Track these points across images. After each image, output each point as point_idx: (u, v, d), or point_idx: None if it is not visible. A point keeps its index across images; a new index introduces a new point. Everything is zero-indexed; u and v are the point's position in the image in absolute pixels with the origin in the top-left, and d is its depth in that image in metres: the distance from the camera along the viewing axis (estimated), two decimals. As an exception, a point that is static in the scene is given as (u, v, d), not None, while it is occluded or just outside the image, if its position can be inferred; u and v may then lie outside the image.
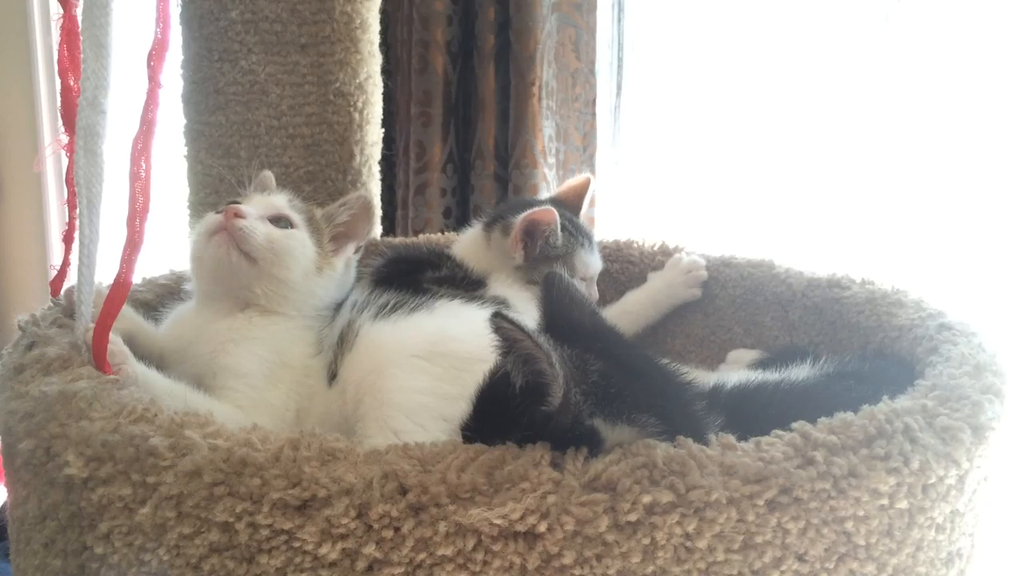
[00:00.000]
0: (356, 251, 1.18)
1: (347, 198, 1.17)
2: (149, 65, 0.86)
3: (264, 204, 1.08)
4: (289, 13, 1.33)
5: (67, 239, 1.03)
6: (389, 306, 1.06)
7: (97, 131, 0.83)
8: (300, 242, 1.07)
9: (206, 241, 1.03)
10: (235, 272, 1.03)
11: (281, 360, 1.03)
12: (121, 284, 0.83)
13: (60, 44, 0.96)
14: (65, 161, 1.01)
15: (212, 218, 1.04)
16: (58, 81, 0.98)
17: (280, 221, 1.07)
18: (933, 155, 1.78)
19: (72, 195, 1.01)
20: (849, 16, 1.83)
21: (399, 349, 0.98)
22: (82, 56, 0.83)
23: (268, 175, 1.22)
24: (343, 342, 1.04)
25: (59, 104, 1.00)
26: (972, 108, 1.73)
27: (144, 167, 0.84)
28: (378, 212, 1.52)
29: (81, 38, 0.83)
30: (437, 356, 0.96)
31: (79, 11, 0.84)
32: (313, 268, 1.08)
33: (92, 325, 0.86)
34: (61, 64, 0.96)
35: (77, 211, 0.84)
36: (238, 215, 1.02)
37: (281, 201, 1.10)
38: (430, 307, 1.06)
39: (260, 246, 1.02)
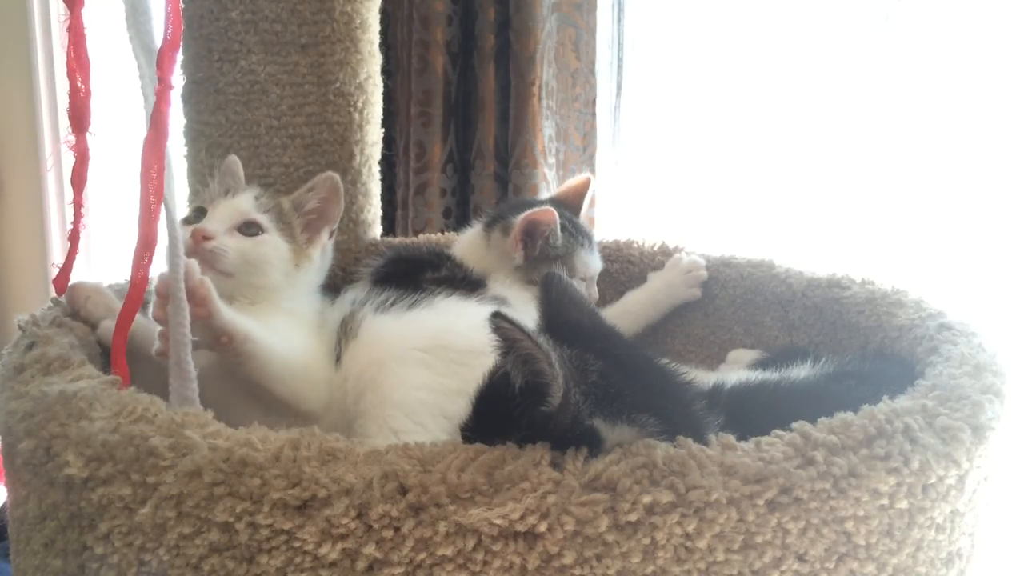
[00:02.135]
0: (330, 235, 1.17)
1: (314, 181, 1.14)
2: (159, 66, 0.86)
3: (230, 212, 1.06)
4: (289, 13, 1.33)
5: (72, 238, 1.03)
6: (390, 301, 1.06)
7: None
8: (273, 247, 1.06)
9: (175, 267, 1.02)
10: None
11: (294, 321, 1.05)
12: (138, 285, 0.83)
13: (68, 46, 0.95)
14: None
15: (185, 242, 0.99)
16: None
17: (249, 227, 1.05)
18: (933, 155, 1.78)
19: (77, 195, 1.01)
20: (849, 16, 1.83)
21: (399, 343, 0.98)
22: (136, 63, 0.83)
23: (234, 161, 1.16)
24: (346, 328, 1.04)
25: (67, 105, 1.00)
26: (972, 108, 1.73)
27: (156, 167, 0.84)
28: (378, 207, 1.52)
29: (131, 46, 0.83)
30: (437, 349, 0.96)
31: (118, 18, 0.84)
32: (291, 266, 1.08)
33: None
34: (69, 65, 0.96)
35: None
36: (206, 237, 1.00)
37: (247, 204, 1.08)
38: (430, 302, 1.06)
39: (233, 263, 1.02)
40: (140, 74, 0.83)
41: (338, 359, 1.03)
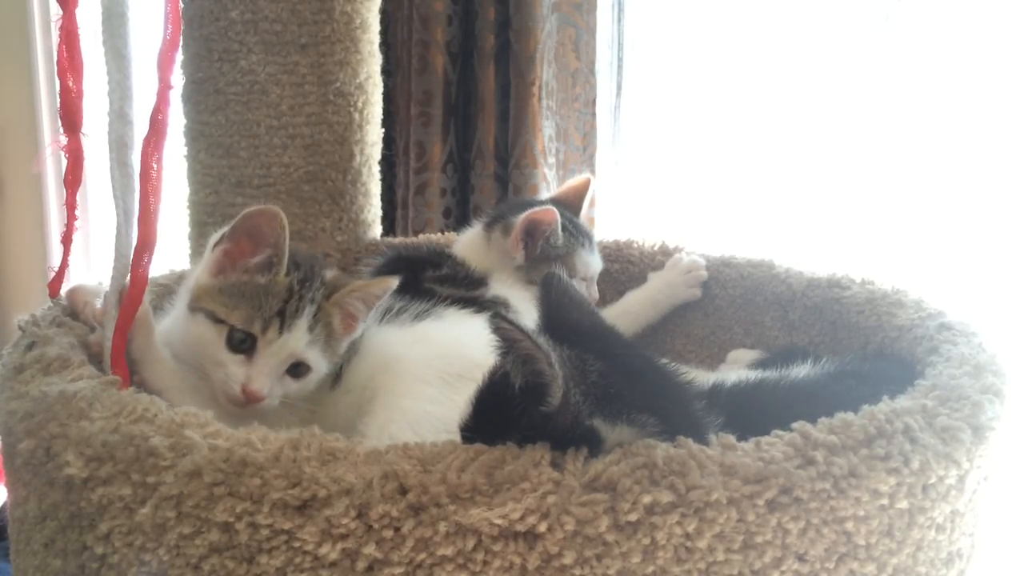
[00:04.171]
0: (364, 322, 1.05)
1: (372, 291, 1.01)
2: (159, 66, 0.86)
3: (284, 357, 0.95)
4: (289, 13, 1.33)
5: (65, 240, 1.03)
6: (394, 311, 1.06)
7: (126, 142, 0.84)
8: (315, 378, 0.98)
9: (215, 386, 0.94)
10: None
11: None
12: (137, 286, 0.83)
13: (59, 45, 0.95)
14: (65, 162, 1.00)
15: (229, 386, 0.92)
16: (58, 81, 0.98)
17: (298, 368, 0.96)
18: (933, 155, 1.78)
19: (71, 196, 1.01)
20: (849, 16, 1.83)
21: (412, 355, 0.99)
22: (106, 68, 0.83)
23: (276, 220, 0.94)
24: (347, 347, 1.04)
25: (59, 105, 0.99)
26: (972, 108, 1.73)
27: (155, 167, 0.85)
28: (378, 207, 1.52)
29: (103, 50, 0.83)
30: (450, 364, 0.96)
31: (96, 20, 0.84)
32: (323, 374, 1.00)
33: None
34: (60, 65, 0.96)
35: (115, 222, 0.85)
36: (260, 400, 0.93)
37: (302, 341, 0.95)
38: (437, 314, 1.06)
39: (274, 406, 0.95)
40: (108, 79, 0.83)
41: (339, 378, 1.02)
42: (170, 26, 0.87)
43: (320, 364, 0.98)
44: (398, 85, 1.98)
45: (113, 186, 0.84)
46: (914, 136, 1.79)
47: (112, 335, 0.85)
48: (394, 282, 1.02)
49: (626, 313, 1.35)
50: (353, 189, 1.42)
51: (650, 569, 0.65)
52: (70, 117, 0.98)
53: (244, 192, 1.36)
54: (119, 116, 0.83)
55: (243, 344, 0.93)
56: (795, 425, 0.72)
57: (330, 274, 1.05)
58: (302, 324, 0.95)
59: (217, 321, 0.93)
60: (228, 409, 0.93)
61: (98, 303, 0.94)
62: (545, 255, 1.24)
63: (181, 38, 1.04)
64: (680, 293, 1.34)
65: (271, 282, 0.95)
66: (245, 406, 0.92)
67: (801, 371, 0.98)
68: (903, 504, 0.69)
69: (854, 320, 1.11)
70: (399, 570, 0.65)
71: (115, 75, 0.83)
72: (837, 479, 0.67)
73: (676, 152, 2.06)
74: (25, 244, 2.58)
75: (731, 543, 0.66)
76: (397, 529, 0.65)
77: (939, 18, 1.74)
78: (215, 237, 0.98)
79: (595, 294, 1.31)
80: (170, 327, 0.98)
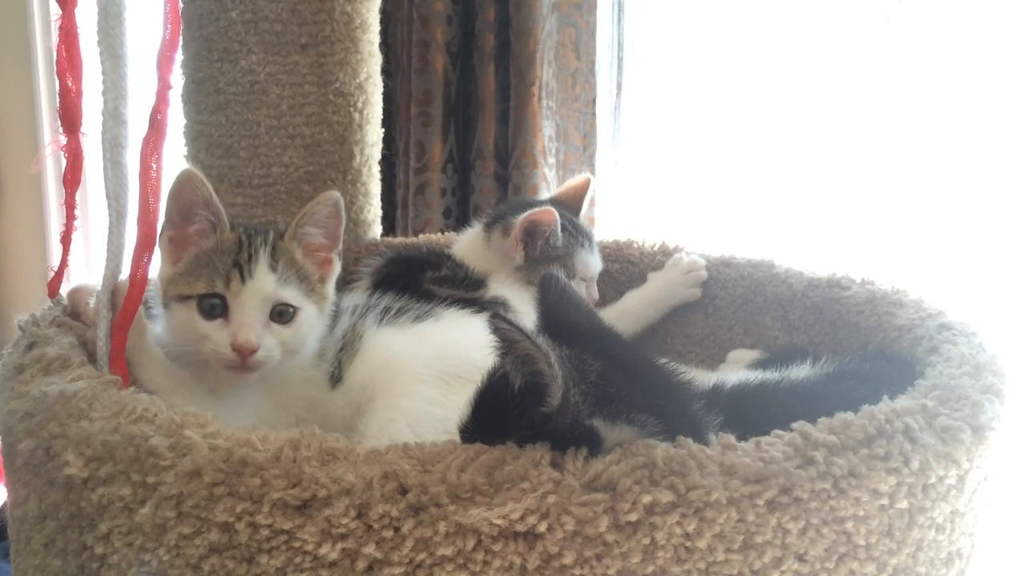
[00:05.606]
0: (339, 257, 1.06)
1: (314, 209, 1.00)
2: (158, 66, 0.86)
3: (260, 302, 0.94)
4: (289, 13, 1.33)
5: (64, 240, 1.03)
6: (393, 311, 1.06)
7: (120, 142, 0.84)
8: (307, 321, 0.98)
9: (214, 361, 0.94)
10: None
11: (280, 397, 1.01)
12: (137, 284, 0.83)
13: (59, 44, 0.95)
14: (64, 162, 1.01)
15: (220, 351, 0.92)
16: (57, 81, 0.98)
17: (283, 312, 0.96)
18: (933, 155, 1.78)
19: (70, 196, 1.01)
20: (849, 16, 1.83)
21: (412, 358, 0.99)
22: (101, 68, 0.84)
23: (195, 182, 0.95)
24: (346, 348, 1.04)
25: (58, 105, 0.99)
26: (972, 107, 1.73)
27: (155, 168, 0.85)
28: (378, 207, 1.52)
29: (98, 50, 0.84)
30: (449, 365, 0.96)
31: (94, 20, 0.85)
32: (320, 322, 1.01)
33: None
34: (60, 64, 0.96)
35: (108, 222, 0.85)
36: (253, 350, 0.92)
37: (271, 284, 0.95)
38: (436, 315, 1.06)
39: (276, 359, 0.95)
40: (103, 79, 0.83)
41: (340, 379, 1.02)
42: (170, 26, 0.87)
43: (305, 304, 0.98)
44: (398, 85, 1.98)
45: (106, 186, 0.84)
46: (914, 136, 1.79)
47: (104, 334, 0.85)
48: (335, 194, 1.02)
49: (626, 313, 1.35)
50: (353, 189, 1.42)
51: (650, 569, 0.65)
52: (69, 117, 0.98)
53: (244, 192, 1.36)
54: (113, 116, 0.83)
55: (215, 309, 0.94)
56: (795, 425, 0.72)
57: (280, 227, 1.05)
58: (262, 266, 0.96)
59: (185, 299, 0.95)
60: (232, 378, 0.94)
61: (92, 303, 0.94)
62: (545, 255, 1.24)
63: (181, 38, 1.05)
64: (680, 293, 1.34)
65: (219, 242, 0.97)
66: (245, 363, 0.92)
67: (801, 371, 0.98)
68: (903, 504, 0.69)
69: (854, 320, 1.11)
70: (399, 570, 0.65)
71: (111, 75, 0.83)
72: (837, 479, 0.67)
73: (676, 152, 2.06)
74: (25, 244, 2.58)
75: (731, 543, 0.66)
76: (397, 529, 0.65)
77: (939, 18, 1.74)
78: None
79: (595, 294, 1.31)
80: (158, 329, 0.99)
